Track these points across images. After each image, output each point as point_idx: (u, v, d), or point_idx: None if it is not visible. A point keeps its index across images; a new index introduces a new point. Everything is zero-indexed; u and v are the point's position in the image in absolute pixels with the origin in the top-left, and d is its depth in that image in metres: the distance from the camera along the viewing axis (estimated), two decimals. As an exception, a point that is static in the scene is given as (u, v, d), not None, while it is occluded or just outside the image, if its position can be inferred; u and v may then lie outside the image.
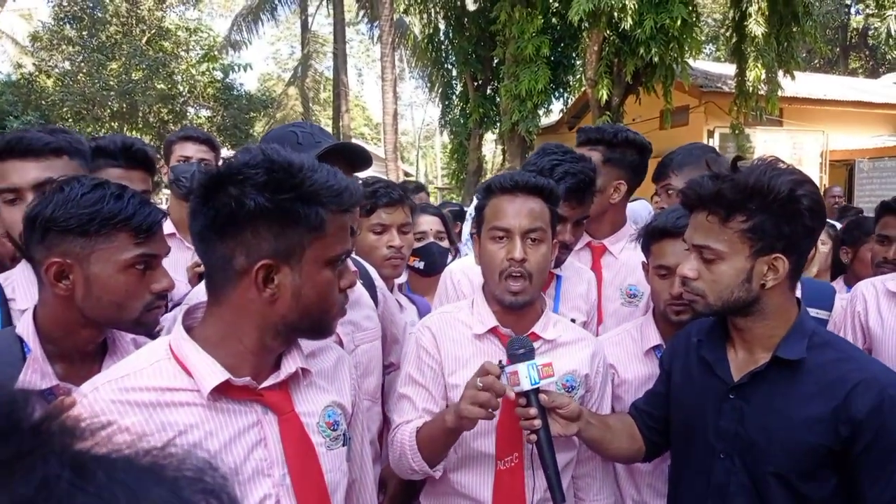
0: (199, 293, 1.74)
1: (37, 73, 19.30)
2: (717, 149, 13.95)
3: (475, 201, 1.87)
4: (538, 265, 1.74)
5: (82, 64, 18.45)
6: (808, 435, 1.46)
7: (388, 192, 2.39)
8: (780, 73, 11.37)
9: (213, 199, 1.12)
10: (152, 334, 1.54)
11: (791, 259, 1.47)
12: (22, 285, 1.68)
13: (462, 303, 1.93)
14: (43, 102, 18.88)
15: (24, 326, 1.44)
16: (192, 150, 2.96)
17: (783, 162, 1.49)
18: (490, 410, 1.52)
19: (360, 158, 1.77)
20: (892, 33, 10.44)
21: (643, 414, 1.84)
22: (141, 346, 1.40)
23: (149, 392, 1.13)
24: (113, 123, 18.76)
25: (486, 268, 1.77)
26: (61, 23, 18.74)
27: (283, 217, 1.12)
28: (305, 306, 1.18)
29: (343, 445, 1.33)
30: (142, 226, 1.38)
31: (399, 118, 18.91)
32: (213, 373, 1.15)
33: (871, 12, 12.09)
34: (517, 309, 1.76)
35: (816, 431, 1.46)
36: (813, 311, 2.40)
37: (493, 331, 1.79)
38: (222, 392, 1.16)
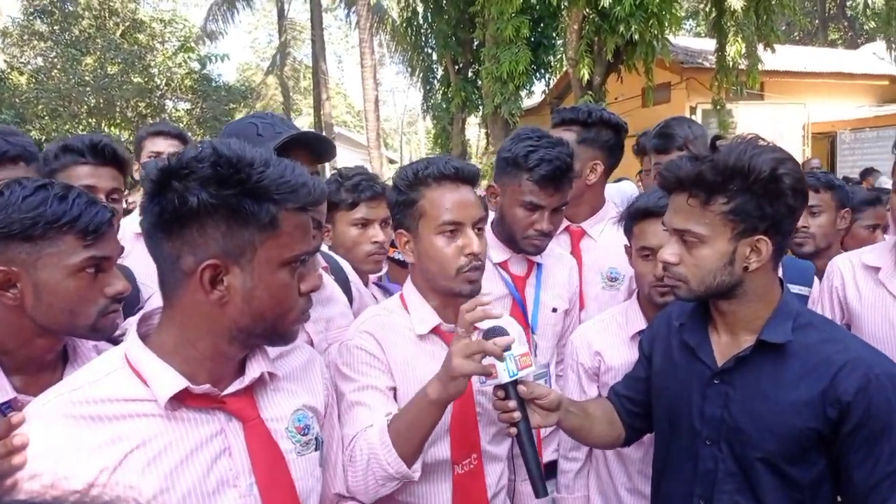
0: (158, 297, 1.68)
1: (8, 70, 18.91)
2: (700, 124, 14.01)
3: (394, 192, 1.72)
4: (485, 252, 1.68)
5: (56, 59, 18.10)
6: (796, 419, 1.44)
7: (370, 185, 2.33)
8: (760, 46, 11.36)
9: (159, 196, 1.07)
10: (114, 339, 1.48)
11: (775, 239, 1.43)
12: None
13: (390, 303, 1.79)
14: (17, 100, 18.52)
15: None
16: (162, 146, 2.89)
17: (763, 139, 1.44)
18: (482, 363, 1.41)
19: (324, 148, 1.69)
20: (869, 4, 10.42)
21: (623, 399, 1.81)
22: (102, 353, 1.35)
23: (103, 404, 1.08)
24: (90, 119, 18.47)
25: (437, 264, 1.65)
26: (31, 18, 18.34)
27: (231, 214, 1.06)
28: (258, 310, 1.11)
29: (315, 450, 1.28)
30: (88, 227, 1.31)
31: (381, 104, 18.76)
32: (169, 381, 1.10)
33: (849, -17, 12.07)
34: (471, 297, 1.65)
35: (804, 415, 1.43)
36: (795, 289, 2.39)
37: (435, 329, 1.70)
38: (181, 401, 1.11)
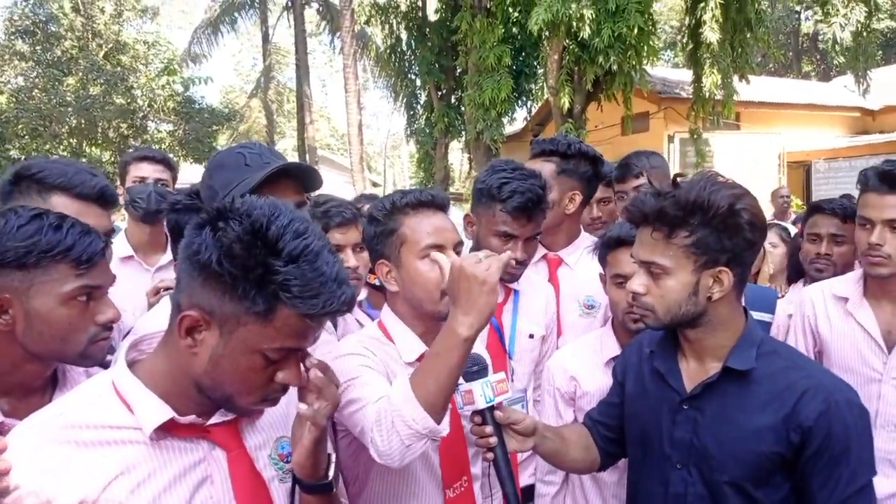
0: (146, 323, 1.69)
1: (-12, 89, 18.79)
2: (678, 153, 14.16)
3: (371, 224, 1.74)
4: None
5: (37, 79, 18.01)
6: (761, 444, 1.49)
7: (339, 211, 2.34)
8: (736, 77, 11.64)
9: (199, 230, 1.08)
10: (104, 365, 1.49)
11: (735, 271, 1.50)
12: None
13: (368, 332, 1.80)
14: (-3, 120, 18.39)
15: None
16: (147, 171, 2.91)
17: (722, 176, 1.52)
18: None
19: (310, 178, 1.73)
20: (838, 40, 10.76)
21: (598, 424, 1.86)
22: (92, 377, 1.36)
23: (88, 430, 1.09)
24: (71, 140, 18.35)
25: (422, 288, 1.66)
26: (12, 38, 18.26)
27: (231, 285, 1.05)
28: (219, 378, 1.11)
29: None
30: (82, 256, 1.33)
31: (365, 128, 18.87)
32: (154, 412, 1.12)
33: (819, 18, 12.46)
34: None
35: (768, 440, 1.49)
36: (757, 315, 2.46)
37: (421, 357, 1.68)
38: (167, 430, 1.13)
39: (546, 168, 2.37)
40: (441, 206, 1.72)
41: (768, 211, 7.89)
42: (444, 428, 1.38)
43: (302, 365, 1.16)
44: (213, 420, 1.18)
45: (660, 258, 1.50)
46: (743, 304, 1.62)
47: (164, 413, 1.12)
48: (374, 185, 26.89)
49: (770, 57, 15.28)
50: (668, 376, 1.64)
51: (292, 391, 1.34)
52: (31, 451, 1.06)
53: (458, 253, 1.69)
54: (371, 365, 1.60)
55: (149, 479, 1.10)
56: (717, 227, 1.46)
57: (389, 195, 1.78)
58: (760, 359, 1.54)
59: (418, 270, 1.66)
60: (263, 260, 1.03)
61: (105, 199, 1.84)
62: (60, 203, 1.72)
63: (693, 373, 1.62)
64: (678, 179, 1.54)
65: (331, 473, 1.25)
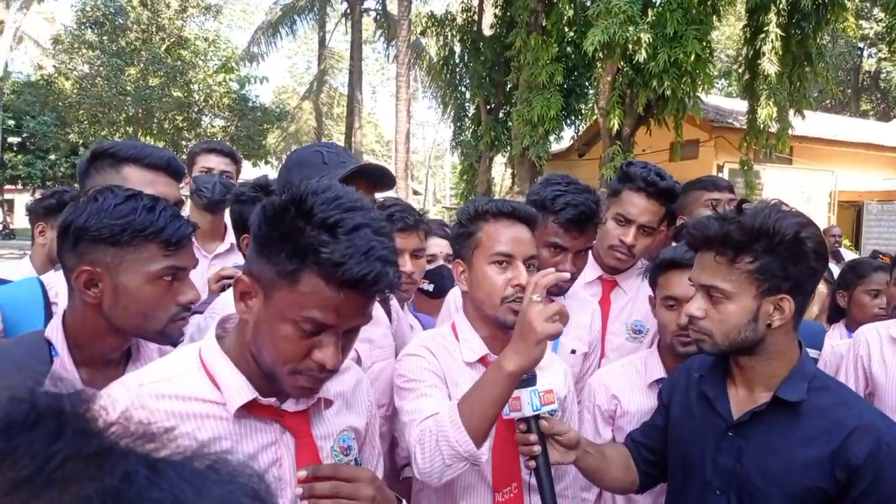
0: (225, 302, 1.77)
1: (56, 74, 19.57)
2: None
3: (457, 225, 1.83)
4: None
5: (101, 68, 18.70)
6: (805, 477, 1.48)
7: (402, 216, 2.38)
8: (791, 112, 11.46)
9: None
10: (176, 344, 1.56)
11: (797, 299, 1.50)
12: (64, 289, 1.71)
13: (441, 330, 1.89)
14: (60, 104, 19.12)
15: (53, 330, 1.45)
16: (214, 162, 3.02)
17: (786, 204, 1.53)
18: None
19: (383, 179, 1.80)
20: (903, 79, 10.52)
21: (639, 445, 1.86)
22: (165, 354, 1.42)
23: (176, 400, 1.14)
24: (128, 128, 18.97)
25: (485, 292, 1.74)
26: (83, 27, 19.04)
27: (267, 247, 1.09)
28: (260, 344, 1.14)
29: None
30: (171, 238, 1.39)
31: (411, 137, 19.06)
32: (240, 390, 1.17)
33: (883, 56, 12.20)
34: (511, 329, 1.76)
35: (813, 474, 1.48)
36: None
37: (482, 360, 1.77)
38: (247, 409, 1.18)
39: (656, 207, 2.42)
40: (522, 218, 1.77)
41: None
42: (484, 453, 1.48)
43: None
44: (287, 406, 1.22)
45: (722, 282, 1.50)
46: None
47: (249, 393, 1.17)
48: (415, 193, 27.09)
49: (828, 93, 14.97)
50: (716, 402, 1.63)
51: (353, 384, 1.40)
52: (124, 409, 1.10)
53: (531, 266, 1.75)
54: (432, 368, 1.69)
55: None
56: (782, 253, 1.45)
57: (476, 200, 1.84)
58: (811, 392, 1.53)
59: (485, 274, 1.73)
60: (296, 224, 1.06)
61: (173, 169, 1.88)
62: (132, 173, 1.78)
63: (741, 400, 1.61)
64: (743, 206, 1.55)
65: None
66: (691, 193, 2.76)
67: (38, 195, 3.40)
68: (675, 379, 1.85)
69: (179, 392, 1.15)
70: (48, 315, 1.72)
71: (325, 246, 1.04)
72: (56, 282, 1.76)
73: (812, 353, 2.52)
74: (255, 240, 1.13)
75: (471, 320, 1.82)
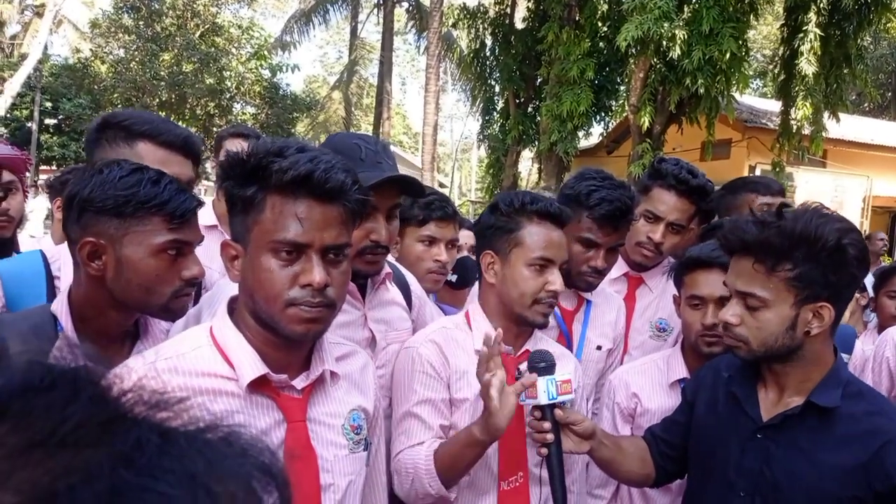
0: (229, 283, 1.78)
1: (92, 58, 19.92)
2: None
3: (492, 213, 1.83)
4: (561, 293, 1.80)
5: (136, 52, 18.98)
6: (836, 485, 1.44)
7: (442, 206, 2.40)
8: (826, 114, 11.21)
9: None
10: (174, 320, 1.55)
11: (836, 306, 1.46)
12: (68, 263, 1.69)
13: (455, 318, 1.90)
14: (95, 87, 19.46)
15: (59, 304, 1.45)
16: (240, 147, 3.03)
17: (827, 208, 1.48)
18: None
19: (413, 191, 1.78)
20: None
21: (659, 440, 1.83)
22: (170, 333, 1.43)
23: (189, 376, 1.16)
24: (161, 112, 19.22)
25: (519, 291, 1.74)
26: (120, 12, 19.31)
27: (238, 202, 1.19)
28: (251, 290, 1.20)
29: (364, 450, 1.35)
30: (176, 211, 1.38)
31: (438, 129, 19.05)
32: (252, 365, 1.18)
33: (926, 59, 11.88)
34: (541, 328, 1.80)
35: (844, 482, 1.44)
36: None
37: None
38: (258, 386, 1.19)
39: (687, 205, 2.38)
40: (563, 221, 1.78)
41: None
42: (452, 493, 1.63)
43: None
44: (296, 382, 1.23)
45: (759, 290, 1.46)
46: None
47: (260, 367, 1.18)
48: (441, 186, 27.09)
49: (866, 96, 14.62)
50: (745, 403, 1.60)
51: (360, 366, 1.40)
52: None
53: (563, 269, 1.75)
54: (432, 370, 1.73)
55: None
56: (823, 261, 1.41)
57: (518, 193, 1.83)
58: (845, 399, 1.49)
59: (523, 275, 1.73)
60: (252, 160, 1.17)
61: (189, 148, 1.84)
62: (146, 150, 1.73)
63: (771, 403, 1.57)
64: (783, 210, 1.49)
65: None
66: (741, 196, 2.67)
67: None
68: (702, 376, 1.82)
69: (192, 368, 1.17)
70: (50, 288, 1.71)
71: (273, 162, 1.13)
72: (60, 255, 1.74)
73: (843, 356, 2.47)
74: (227, 199, 1.20)
75: (488, 311, 1.82)
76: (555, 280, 1.73)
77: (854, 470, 1.43)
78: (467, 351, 1.78)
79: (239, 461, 0.40)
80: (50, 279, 1.75)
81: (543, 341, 1.91)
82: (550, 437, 1.57)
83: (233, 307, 1.29)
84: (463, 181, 42.46)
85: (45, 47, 19.19)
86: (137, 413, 0.39)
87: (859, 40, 11.10)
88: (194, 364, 1.17)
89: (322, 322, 1.19)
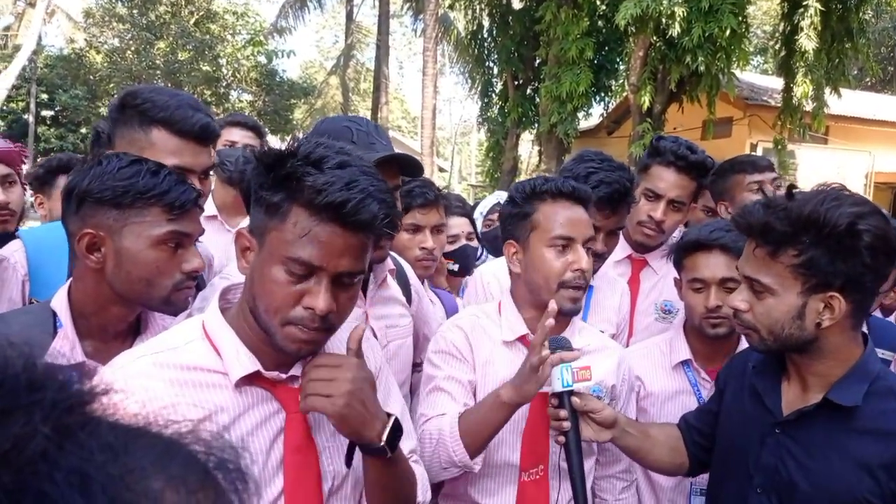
0: (234, 270, 1.76)
1: (87, 48, 19.79)
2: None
3: (509, 204, 1.80)
4: (591, 272, 1.75)
5: (131, 42, 18.84)
6: (855, 485, 1.38)
7: (423, 192, 2.35)
8: (828, 90, 11.11)
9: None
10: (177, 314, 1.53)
11: (852, 298, 1.36)
12: None
13: (487, 307, 1.88)
14: (91, 77, 19.35)
15: (59, 300, 1.43)
16: (238, 136, 3.01)
17: (848, 190, 1.38)
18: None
19: (413, 171, 1.75)
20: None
21: (692, 429, 1.78)
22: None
23: (184, 370, 1.14)
24: (157, 102, 19.12)
25: (543, 276, 1.70)
26: (114, 0, 19.14)
27: (256, 194, 1.15)
28: (256, 292, 1.15)
29: None
30: (175, 202, 1.37)
31: (437, 113, 18.93)
32: (242, 362, 1.16)
33: (929, 32, 11.76)
34: (570, 316, 1.76)
35: (864, 484, 1.37)
36: (877, 352, 2.26)
37: (521, 339, 1.77)
38: (250, 379, 1.17)
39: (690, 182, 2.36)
40: (580, 199, 1.73)
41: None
42: (477, 464, 1.60)
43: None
44: (293, 371, 1.21)
45: (763, 276, 1.39)
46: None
47: (251, 365, 1.16)
48: (441, 170, 26.99)
49: (867, 71, 14.47)
50: (766, 397, 1.54)
51: (371, 353, 1.37)
52: (129, 383, 1.09)
53: (588, 248, 1.72)
54: (457, 351, 1.73)
55: (234, 424, 1.14)
56: (832, 247, 1.31)
57: (531, 179, 1.79)
58: (871, 396, 1.40)
59: (543, 258, 1.70)
60: (284, 160, 1.10)
61: (205, 136, 1.78)
62: (159, 137, 1.69)
63: (793, 397, 1.51)
64: (793, 191, 1.40)
65: (384, 438, 1.17)
66: (731, 177, 2.66)
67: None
68: (734, 365, 1.75)
69: (183, 362, 1.15)
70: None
71: (308, 175, 1.06)
72: None
73: (886, 354, 2.23)
74: (249, 191, 1.16)
75: (518, 301, 1.80)
76: (579, 258, 1.67)
77: (874, 472, 1.36)
78: (494, 340, 1.77)
79: (162, 451, 0.37)
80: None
81: (586, 331, 1.88)
82: (567, 424, 1.56)
83: (227, 298, 1.27)
84: (463, 165, 42.29)
85: (39, 38, 19.04)
86: (42, 402, 0.36)
87: (861, 14, 10.96)
88: (185, 358, 1.16)
89: (316, 344, 1.17)
